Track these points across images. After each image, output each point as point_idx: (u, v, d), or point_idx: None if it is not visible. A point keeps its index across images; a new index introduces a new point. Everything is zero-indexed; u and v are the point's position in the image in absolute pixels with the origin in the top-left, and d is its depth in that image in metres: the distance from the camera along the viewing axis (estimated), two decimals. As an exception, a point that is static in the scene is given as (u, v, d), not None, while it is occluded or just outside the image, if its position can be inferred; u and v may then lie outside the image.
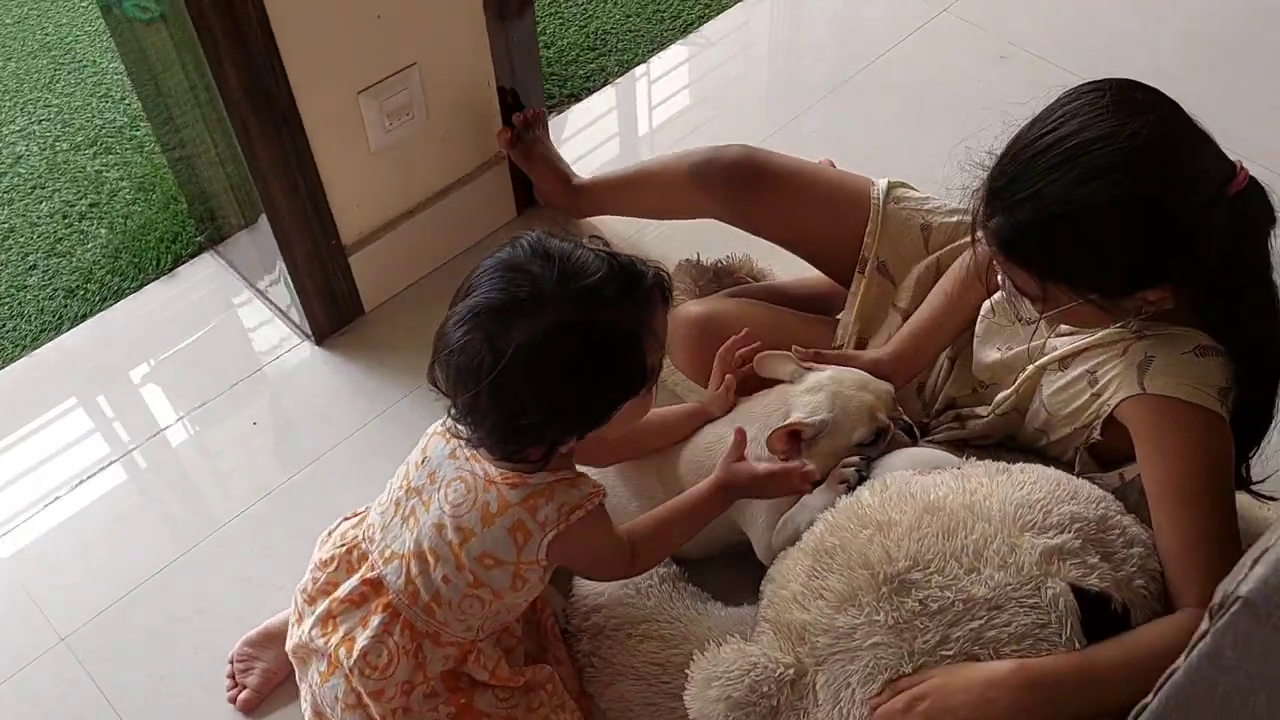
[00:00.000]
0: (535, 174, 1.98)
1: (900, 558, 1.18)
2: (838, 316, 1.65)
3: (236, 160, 1.66)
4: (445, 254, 2.00)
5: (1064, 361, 1.35)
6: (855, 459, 1.39)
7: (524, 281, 1.11)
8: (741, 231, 1.75)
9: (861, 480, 1.35)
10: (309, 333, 1.90)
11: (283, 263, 1.78)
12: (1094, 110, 1.14)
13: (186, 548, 1.65)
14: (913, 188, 1.65)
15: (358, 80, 1.70)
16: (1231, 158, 1.17)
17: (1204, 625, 0.70)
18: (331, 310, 1.89)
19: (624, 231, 2.02)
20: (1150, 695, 0.76)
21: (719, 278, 1.83)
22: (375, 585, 1.28)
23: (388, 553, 1.27)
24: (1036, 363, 1.39)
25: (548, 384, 1.11)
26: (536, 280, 1.11)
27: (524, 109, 1.96)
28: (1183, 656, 0.72)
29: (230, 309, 1.96)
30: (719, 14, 2.42)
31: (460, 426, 1.18)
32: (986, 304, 1.50)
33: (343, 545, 1.34)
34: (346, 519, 1.41)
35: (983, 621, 1.14)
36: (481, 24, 1.80)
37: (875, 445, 1.42)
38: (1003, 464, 1.31)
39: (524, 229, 1.94)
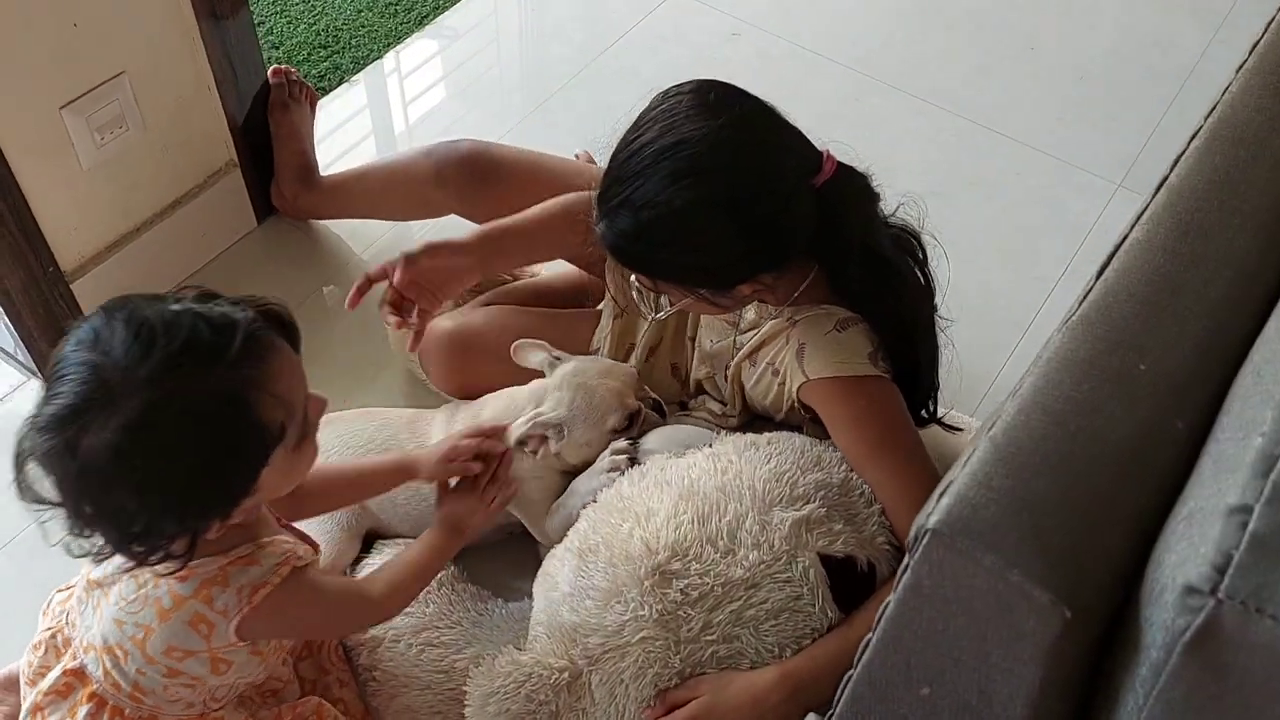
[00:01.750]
0: (281, 150, 1.89)
1: (660, 549, 1.20)
2: (599, 307, 1.65)
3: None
4: (182, 272, 1.89)
5: (751, 357, 1.41)
6: (622, 444, 1.41)
7: (88, 376, 0.95)
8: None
9: (657, 407, 1.40)
10: (35, 369, 1.77)
11: (-5, 299, 1.64)
12: (677, 114, 1.18)
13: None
14: None
15: (59, 95, 1.58)
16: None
17: (906, 559, 0.73)
18: (57, 343, 1.76)
19: (374, 233, 1.97)
20: (871, 630, 0.79)
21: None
22: (79, 674, 1.19)
23: (84, 643, 1.18)
24: (734, 360, 1.44)
25: (145, 484, 0.96)
26: (100, 371, 0.95)
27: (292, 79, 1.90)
28: (891, 590, 0.75)
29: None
30: (454, 5, 2.38)
31: (80, 541, 1.02)
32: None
33: (49, 629, 1.24)
34: (60, 590, 1.29)
35: (741, 602, 1.17)
36: (193, 25, 1.70)
37: (630, 429, 1.44)
38: (752, 437, 1.35)
39: (257, 242, 1.91)
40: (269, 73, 1.89)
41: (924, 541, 0.69)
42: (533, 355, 1.50)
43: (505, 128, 2.16)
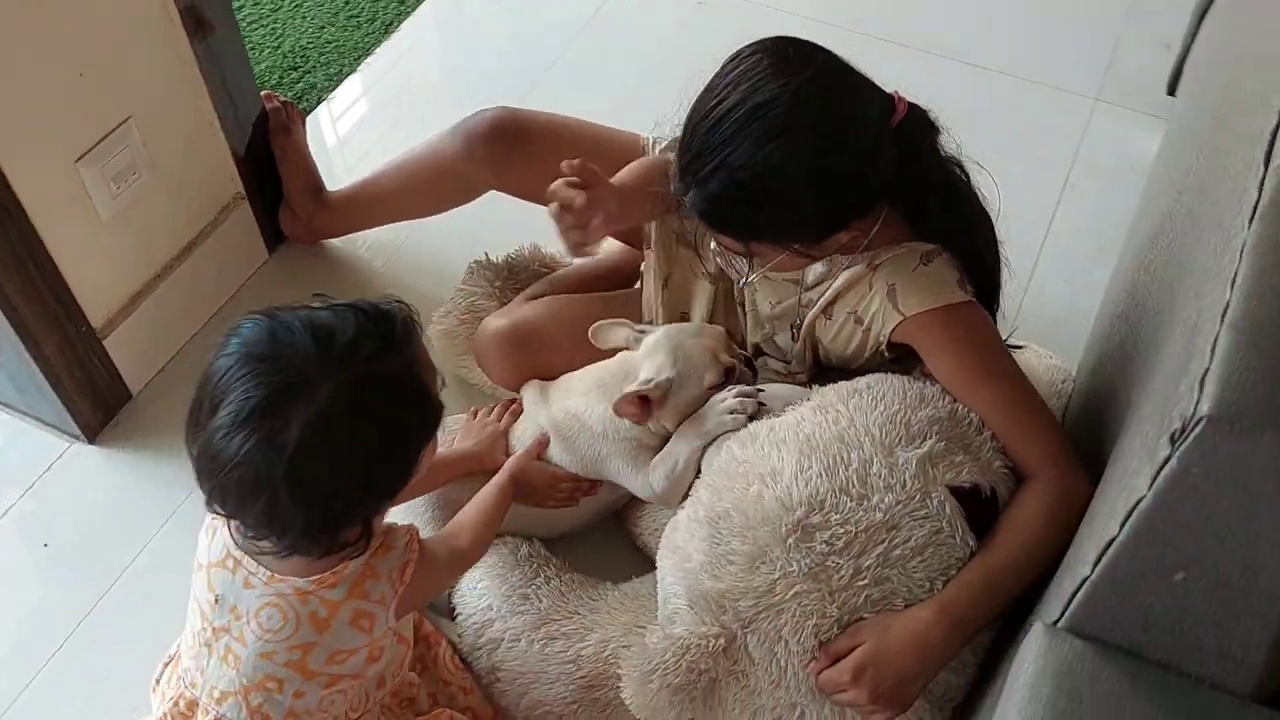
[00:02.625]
0: (288, 173, 1.87)
1: (796, 505, 1.22)
2: (639, 285, 1.66)
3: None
4: (205, 313, 1.85)
5: (826, 311, 1.44)
6: (746, 389, 1.42)
7: (280, 367, 1.00)
8: (526, 223, 1.72)
9: (748, 362, 1.43)
10: (78, 433, 1.71)
11: (35, 365, 1.59)
12: (756, 75, 1.20)
13: (19, 689, 1.47)
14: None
15: (74, 148, 1.53)
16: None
17: (1163, 453, 0.76)
18: (98, 403, 1.72)
19: (387, 244, 1.95)
20: (1116, 530, 0.82)
21: (514, 274, 1.80)
22: None
23: (217, 693, 1.17)
24: (805, 320, 1.47)
25: (350, 459, 1.03)
26: (293, 360, 1.00)
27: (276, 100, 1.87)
28: (1146, 486, 0.78)
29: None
30: (417, 7, 2.36)
31: (261, 542, 1.07)
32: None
33: (171, 699, 1.23)
34: (165, 664, 1.30)
35: (885, 544, 1.20)
36: (191, 61, 1.66)
37: (725, 386, 1.45)
38: (850, 384, 1.36)
39: (274, 273, 1.88)
40: (263, 98, 1.85)
41: (1196, 430, 0.72)
42: (615, 334, 1.51)
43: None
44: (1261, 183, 0.85)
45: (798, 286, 1.48)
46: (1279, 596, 0.79)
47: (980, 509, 1.25)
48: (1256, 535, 0.76)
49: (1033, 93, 2.20)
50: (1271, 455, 0.72)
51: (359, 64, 2.24)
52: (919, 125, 1.29)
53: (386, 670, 1.22)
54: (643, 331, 1.50)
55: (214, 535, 1.15)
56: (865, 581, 1.19)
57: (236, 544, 1.11)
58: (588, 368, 1.53)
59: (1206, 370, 0.75)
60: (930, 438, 1.26)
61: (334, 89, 2.19)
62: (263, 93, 1.87)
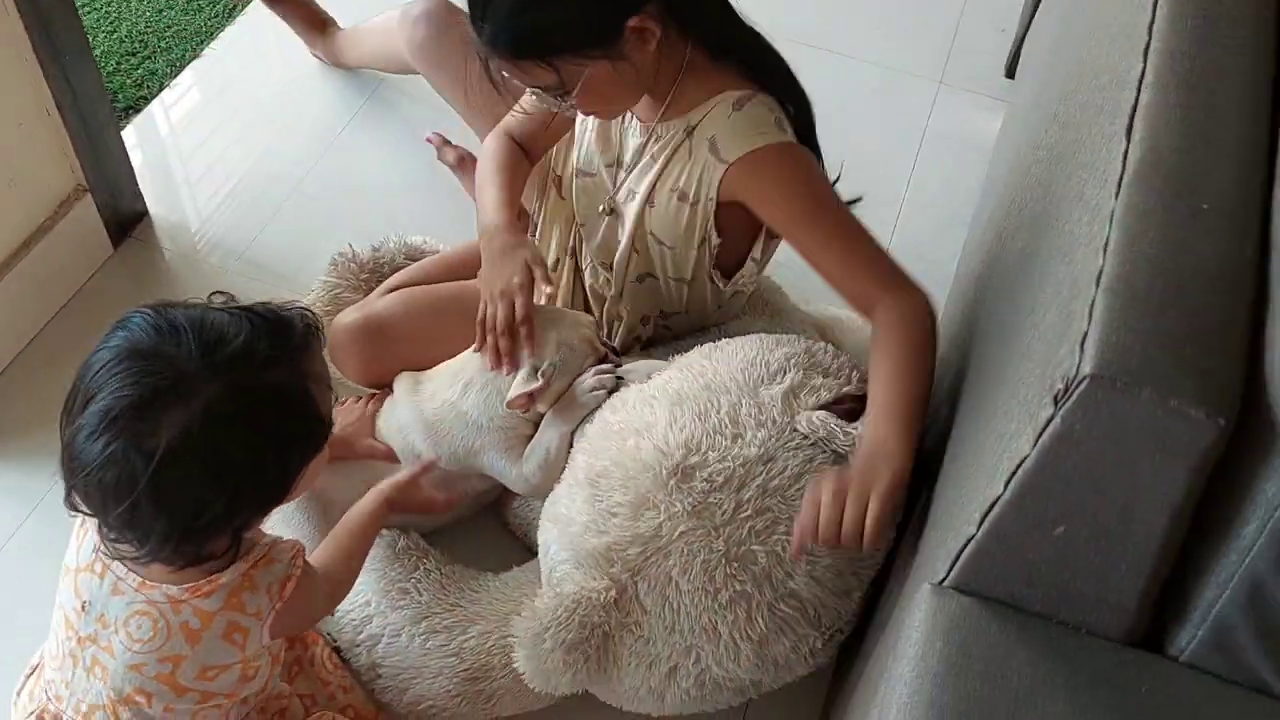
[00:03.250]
0: (284, 12, 2.05)
1: (673, 450, 1.23)
2: None
3: None
4: (49, 310, 1.76)
5: (649, 199, 1.44)
6: (604, 366, 1.43)
7: (160, 367, 0.96)
8: (388, 212, 1.70)
9: (619, 383, 1.41)
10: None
11: None
12: None
13: None
14: None
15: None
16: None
17: (1045, 413, 0.80)
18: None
19: (239, 243, 1.88)
20: (1001, 488, 0.86)
21: (380, 266, 1.76)
22: None
23: (84, 707, 1.11)
24: (629, 216, 1.46)
25: (220, 471, 0.98)
26: (174, 361, 0.96)
27: None
28: (1029, 445, 0.82)
29: None
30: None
31: (121, 546, 1.01)
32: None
33: (32, 713, 1.16)
34: (27, 675, 1.22)
35: (763, 476, 1.21)
36: (26, 46, 1.57)
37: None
38: (709, 344, 1.40)
39: (119, 269, 1.80)
40: None
41: (1080, 389, 0.76)
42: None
43: (361, 101, 2.11)
44: (1125, 155, 0.90)
45: (615, 167, 1.48)
46: (1152, 540, 0.84)
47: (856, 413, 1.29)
48: (1134, 483, 0.80)
49: (879, 77, 2.28)
50: (1149, 409, 0.77)
51: (202, 49, 2.16)
52: None
53: (258, 694, 1.17)
54: None
55: (84, 537, 1.09)
56: (748, 513, 1.20)
57: (101, 547, 1.05)
58: (460, 356, 1.51)
59: (1085, 332, 0.79)
60: (789, 371, 1.29)
61: (175, 75, 2.10)
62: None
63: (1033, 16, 2.04)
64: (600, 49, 1.27)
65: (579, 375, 1.43)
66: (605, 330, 1.60)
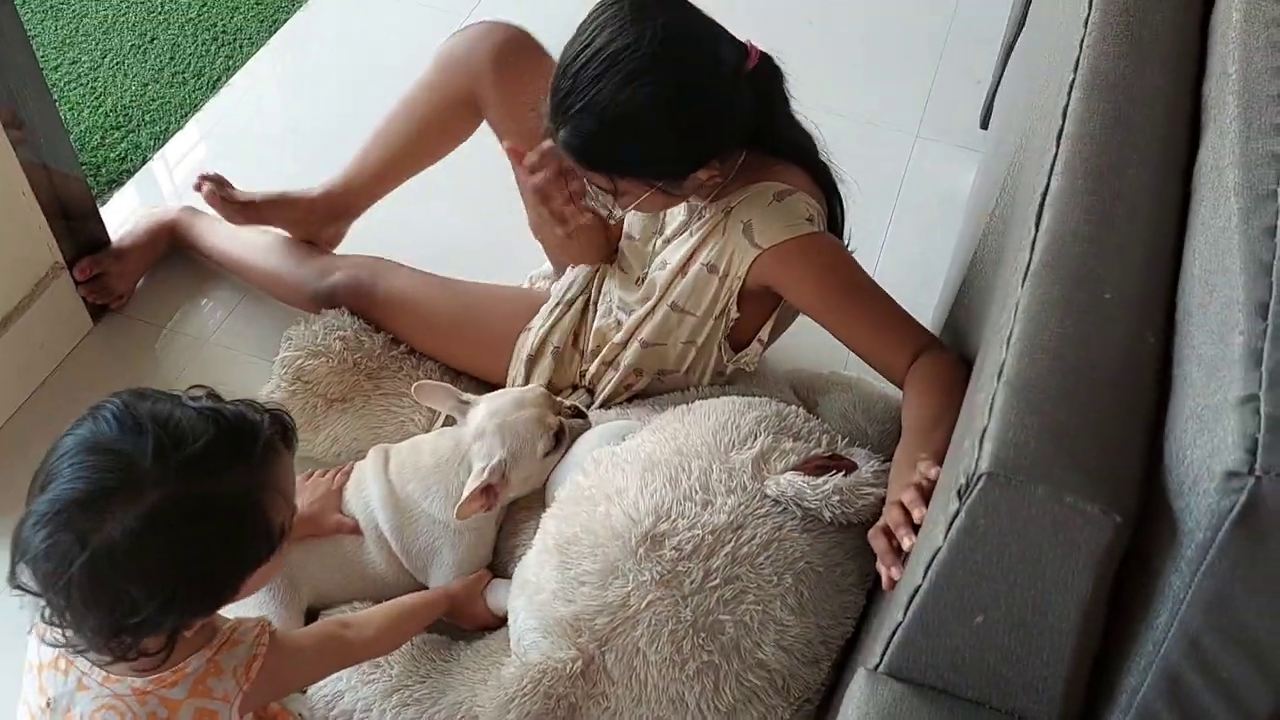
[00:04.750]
0: (283, 228, 1.85)
1: (643, 517, 1.23)
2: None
3: None
4: (28, 387, 1.77)
5: (682, 269, 1.49)
6: (566, 408, 1.48)
7: (113, 464, 0.96)
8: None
9: (577, 413, 1.48)
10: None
11: None
12: (617, 20, 1.30)
13: None
14: None
15: None
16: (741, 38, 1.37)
17: (953, 506, 0.81)
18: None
19: (211, 319, 1.90)
20: (920, 578, 0.87)
21: (331, 330, 1.75)
22: None
23: None
24: (661, 281, 1.51)
25: (156, 576, 0.97)
26: (128, 459, 0.96)
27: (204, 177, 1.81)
28: (941, 537, 0.83)
29: None
30: (245, 62, 2.32)
31: (56, 632, 1.01)
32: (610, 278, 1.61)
33: None
34: None
35: (732, 544, 1.21)
36: (-2, 130, 1.61)
37: (559, 446, 1.47)
38: (682, 407, 1.41)
39: (98, 344, 1.82)
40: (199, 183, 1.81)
41: (978, 486, 0.77)
42: (438, 398, 1.52)
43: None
44: (1033, 243, 0.91)
45: (656, 236, 1.55)
46: (1068, 632, 0.84)
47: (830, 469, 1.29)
48: (1041, 576, 0.81)
49: (857, 131, 2.29)
50: (1046, 505, 0.77)
51: (185, 121, 2.19)
52: (771, 72, 1.40)
53: None
54: (466, 402, 1.50)
55: (46, 632, 1.09)
56: (716, 582, 1.20)
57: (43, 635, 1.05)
58: (425, 446, 1.50)
59: (985, 428, 0.79)
60: (759, 435, 1.30)
61: (159, 148, 2.13)
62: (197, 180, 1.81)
63: (1004, 68, 2.05)
64: (664, 183, 1.37)
65: (541, 456, 1.44)
66: (598, 374, 1.61)
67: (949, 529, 0.81)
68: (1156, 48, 1.05)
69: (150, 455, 0.95)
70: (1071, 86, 1.01)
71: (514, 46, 1.68)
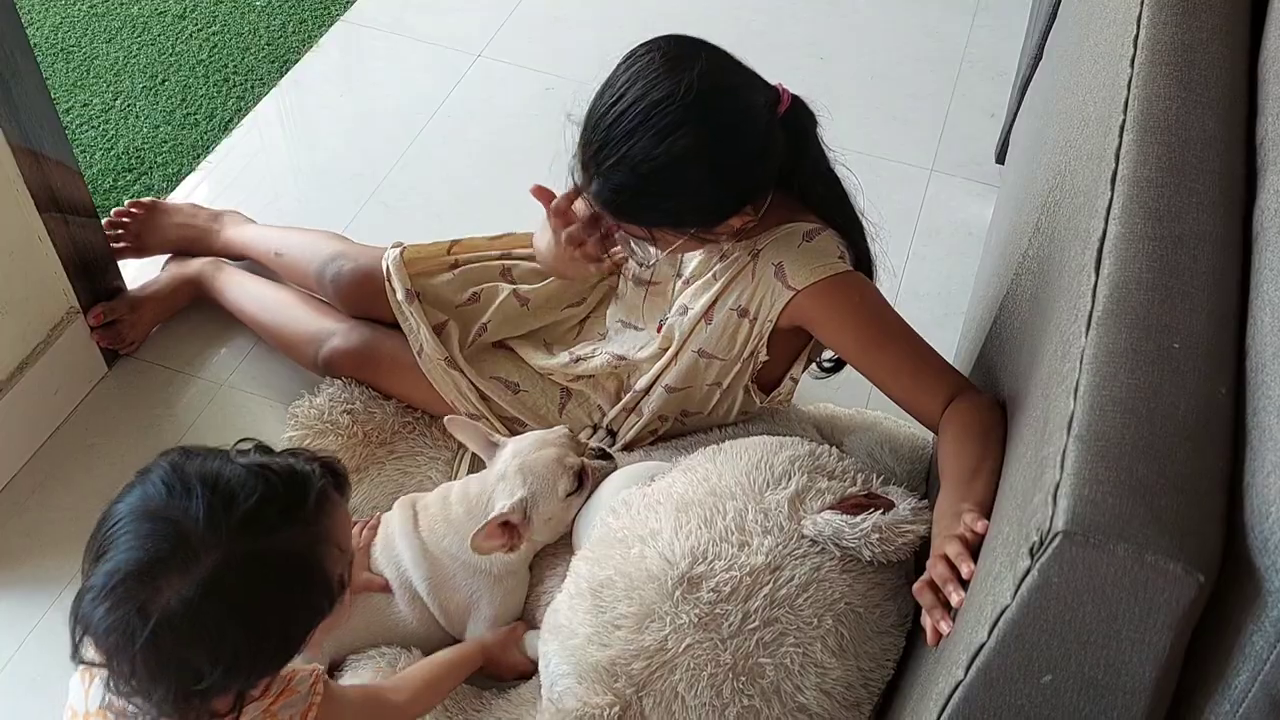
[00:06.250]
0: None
1: (679, 559, 1.21)
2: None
3: None
4: (44, 432, 1.75)
5: (706, 314, 1.47)
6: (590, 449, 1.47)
7: (165, 531, 0.95)
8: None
9: (602, 454, 1.46)
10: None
11: None
12: (650, 72, 1.28)
13: None
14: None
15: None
16: (771, 82, 1.36)
17: (1023, 564, 0.79)
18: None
19: (233, 358, 1.88)
20: (985, 636, 0.84)
21: (335, 404, 1.73)
22: None
23: None
24: (682, 328, 1.49)
25: (218, 641, 0.96)
26: (179, 526, 0.95)
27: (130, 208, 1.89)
28: (1010, 595, 0.80)
29: None
30: (256, 104, 2.31)
31: (126, 703, 1.00)
32: (615, 302, 1.61)
33: None
34: None
35: (771, 585, 1.19)
36: (16, 175, 1.58)
37: (581, 488, 1.45)
38: (713, 447, 1.39)
39: (113, 388, 1.80)
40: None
41: (1054, 544, 0.75)
42: (470, 438, 1.51)
43: (354, 210, 2.12)
44: (1094, 290, 0.89)
45: (676, 277, 1.54)
46: (1141, 692, 0.81)
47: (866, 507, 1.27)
48: (1116, 636, 0.79)
49: (870, 165, 2.27)
50: (1126, 565, 0.75)
51: (198, 162, 2.17)
52: (803, 114, 1.38)
53: None
54: (494, 444, 1.48)
55: (91, 681, 1.06)
56: (755, 624, 1.17)
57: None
58: (454, 496, 1.48)
59: (1058, 483, 0.77)
60: (794, 474, 1.28)
61: (171, 189, 2.12)
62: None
63: (1020, 102, 2.05)
64: (698, 229, 1.35)
65: (563, 497, 1.42)
66: (618, 419, 1.59)
67: (1019, 587, 0.79)
68: (1207, 89, 1.03)
69: (202, 520, 0.94)
70: (1123, 128, 1.00)
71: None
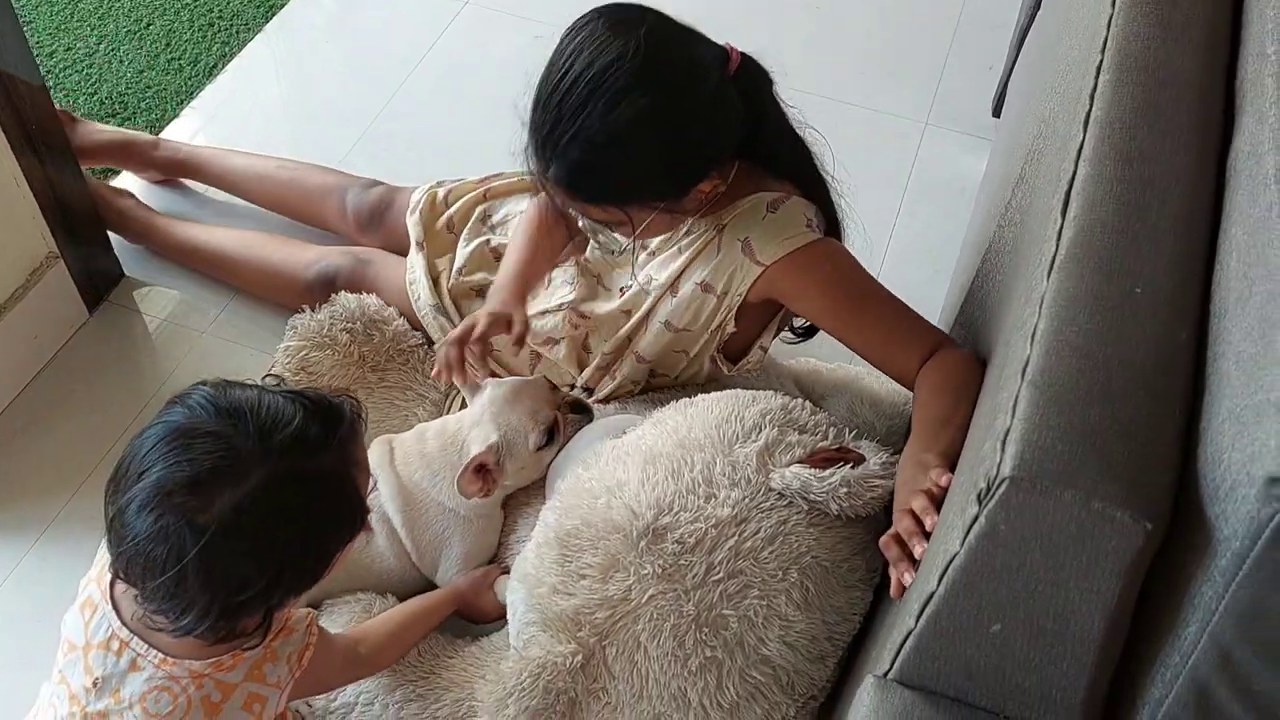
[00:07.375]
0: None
1: (644, 510, 1.20)
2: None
3: None
4: (24, 377, 1.76)
5: (673, 287, 1.44)
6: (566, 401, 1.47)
7: (215, 447, 0.99)
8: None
9: (579, 406, 1.46)
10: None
11: None
12: (596, 38, 1.23)
13: None
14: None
15: None
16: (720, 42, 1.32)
17: (971, 511, 0.77)
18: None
19: (210, 308, 1.87)
20: (934, 584, 0.83)
21: (336, 320, 1.73)
22: None
23: None
24: (647, 303, 1.47)
25: (266, 550, 1.01)
26: (230, 441, 0.99)
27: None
28: (958, 543, 0.79)
29: None
30: (241, 49, 2.28)
31: (158, 617, 1.03)
32: (575, 264, 1.58)
33: None
34: None
35: (736, 538, 1.18)
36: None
37: (553, 442, 1.44)
38: (685, 400, 1.37)
39: (94, 334, 1.80)
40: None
41: (1000, 490, 0.73)
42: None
43: (336, 164, 2.10)
44: (1059, 233, 0.87)
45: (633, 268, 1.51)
46: (1090, 641, 0.80)
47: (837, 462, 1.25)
48: (1064, 585, 0.77)
49: (865, 118, 2.25)
50: (1073, 512, 0.73)
51: (182, 108, 2.15)
52: (755, 73, 1.33)
53: None
54: (479, 385, 1.48)
55: (93, 614, 1.09)
56: (719, 576, 1.17)
57: (124, 623, 1.06)
58: (429, 432, 1.48)
59: (1008, 429, 0.76)
60: (764, 428, 1.27)
61: (157, 134, 2.09)
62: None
63: (1017, 54, 2.01)
64: (666, 202, 1.31)
65: (533, 450, 1.42)
66: (593, 378, 1.58)
67: (967, 534, 0.78)
68: (1188, 30, 1.00)
69: (254, 436, 0.99)
70: (1099, 69, 0.97)
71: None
